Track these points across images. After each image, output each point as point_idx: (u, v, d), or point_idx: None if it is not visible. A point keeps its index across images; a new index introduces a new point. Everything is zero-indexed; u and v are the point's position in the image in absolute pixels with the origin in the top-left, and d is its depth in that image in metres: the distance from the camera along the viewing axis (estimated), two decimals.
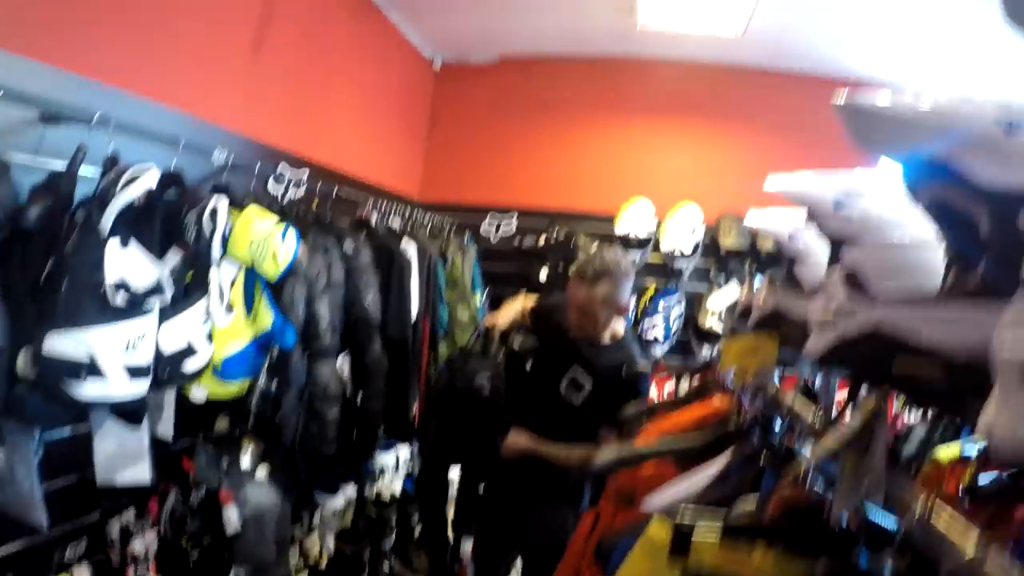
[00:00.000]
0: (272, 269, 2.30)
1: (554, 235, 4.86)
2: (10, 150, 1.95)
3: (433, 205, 5.29)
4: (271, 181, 3.13)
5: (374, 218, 3.60)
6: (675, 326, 4.55)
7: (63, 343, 1.77)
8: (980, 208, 0.80)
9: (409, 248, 3.58)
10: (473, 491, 3.38)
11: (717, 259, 4.61)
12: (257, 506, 2.61)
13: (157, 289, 1.96)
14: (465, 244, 4.62)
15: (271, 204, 2.83)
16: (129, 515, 2.55)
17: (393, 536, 3.92)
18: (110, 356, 1.82)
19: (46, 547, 2.30)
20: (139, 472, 2.37)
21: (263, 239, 2.26)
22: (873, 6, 3.79)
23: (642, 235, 4.63)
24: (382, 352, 3.16)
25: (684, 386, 3.58)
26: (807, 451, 1.30)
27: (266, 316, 2.40)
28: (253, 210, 2.34)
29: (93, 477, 2.32)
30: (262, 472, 2.69)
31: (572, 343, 2.82)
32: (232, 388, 2.42)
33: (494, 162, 5.42)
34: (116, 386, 1.88)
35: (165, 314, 2.03)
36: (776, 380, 2.13)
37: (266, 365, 2.54)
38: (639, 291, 4.67)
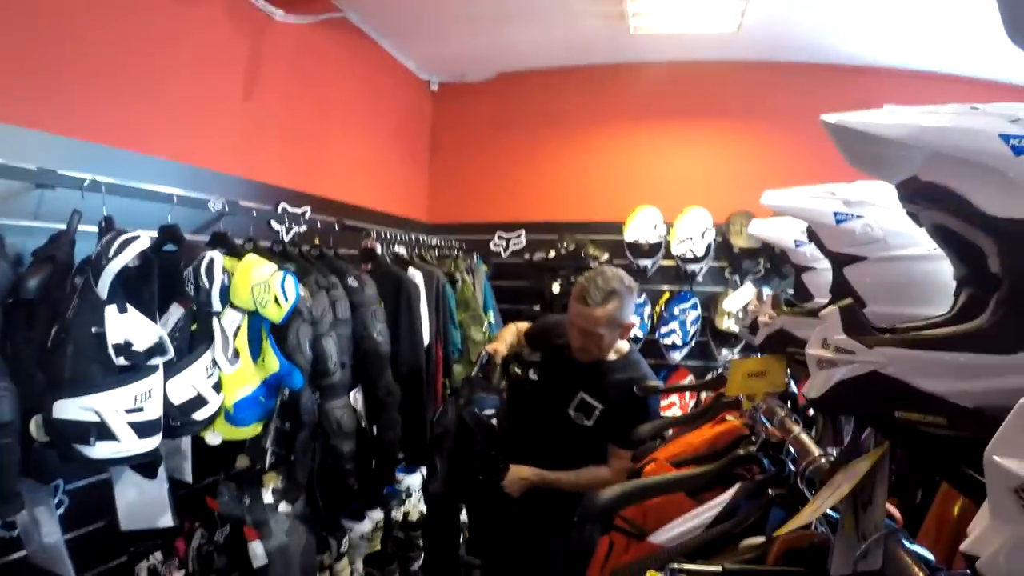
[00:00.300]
0: (275, 313, 2.32)
1: (563, 247, 4.82)
2: (8, 216, 2.02)
3: (441, 227, 5.32)
4: (273, 222, 3.15)
5: (379, 247, 3.59)
6: (692, 330, 4.50)
7: (71, 409, 1.80)
8: (987, 241, 0.73)
9: (416, 274, 3.58)
10: (485, 527, 3.25)
11: (730, 259, 4.56)
12: (281, 539, 2.64)
13: (159, 347, 1.98)
14: (475, 264, 4.62)
15: (272, 245, 2.87)
16: (157, 556, 2.58)
17: (421, 557, 3.91)
18: (117, 417, 1.85)
19: None
20: (161, 517, 2.43)
21: (263, 285, 2.28)
22: None
23: (652, 241, 4.58)
24: (394, 383, 3.16)
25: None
26: (811, 491, 1.26)
27: (273, 360, 2.42)
28: (252, 258, 2.37)
29: (118, 523, 2.36)
30: (285, 506, 2.70)
31: (577, 365, 2.74)
32: (245, 432, 2.45)
33: (499, 179, 5.41)
34: (127, 445, 1.90)
35: (172, 368, 2.07)
36: (794, 388, 2.10)
37: (278, 405, 2.55)
38: (654, 298, 4.64)
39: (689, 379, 4.52)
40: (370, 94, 4.64)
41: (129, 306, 1.93)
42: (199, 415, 2.17)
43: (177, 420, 2.11)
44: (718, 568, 1.05)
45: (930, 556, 0.88)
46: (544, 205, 5.22)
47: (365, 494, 3.45)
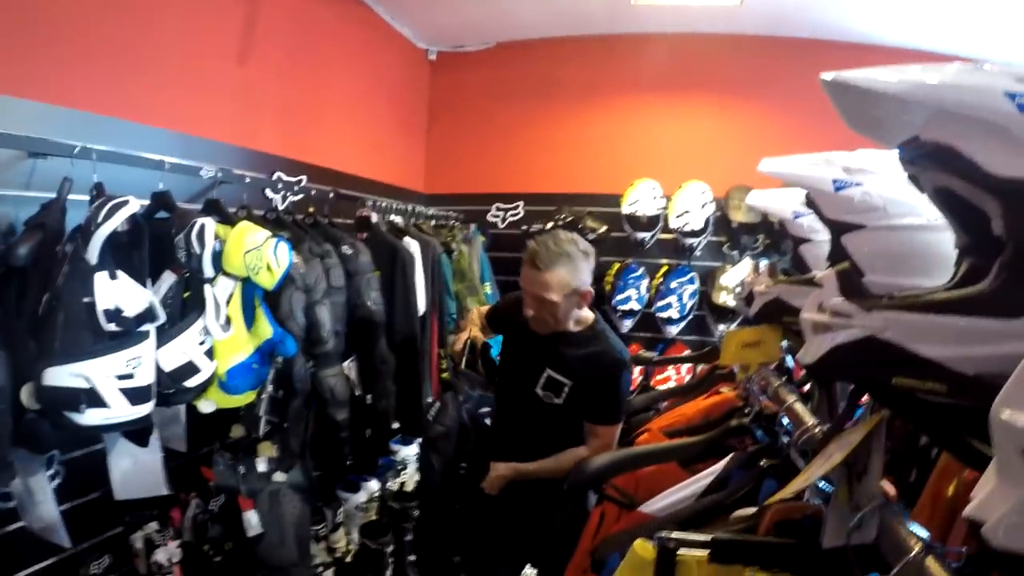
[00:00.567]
0: (267, 280, 2.30)
1: (561, 219, 4.79)
2: (3, 187, 2.03)
3: (438, 197, 5.28)
4: (268, 190, 3.13)
5: (375, 216, 3.57)
6: (690, 304, 4.49)
7: (61, 376, 1.79)
8: (991, 201, 0.71)
9: (412, 244, 3.56)
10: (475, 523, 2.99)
11: (729, 234, 4.53)
12: (276, 509, 2.64)
13: (149, 313, 1.97)
14: (472, 235, 4.60)
15: (266, 213, 2.85)
16: (152, 526, 2.60)
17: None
18: (108, 384, 1.85)
19: (73, 562, 2.38)
20: (155, 485, 2.45)
21: (256, 252, 2.27)
22: None
23: (650, 213, 4.55)
24: (389, 351, 3.15)
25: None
26: (805, 460, 1.24)
27: (266, 327, 2.41)
28: (245, 225, 2.35)
29: (113, 493, 2.40)
30: (279, 476, 2.71)
31: (540, 341, 2.58)
32: (239, 399, 2.44)
33: (497, 149, 5.37)
34: (117, 411, 1.90)
35: (163, 335, 2.06)
36: (790, 362, 2.09)
37: (271, 373, 2.55)
38: (652, 271, 4.62)
39: (686, 354, 4.52)
40: (367, 63, 4.58)
41: (120, 272, 1.93)
42: (191, 382, 2.17)
43: (169, 388, 2.11)
44: (708, 537, 1.04)
45: (925, 533, 0.87)
46: (542, 176, 5.18)
47: (360, 464, 3.46)
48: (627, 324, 4.60)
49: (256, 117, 3.43)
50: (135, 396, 1.92)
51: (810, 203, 1.21)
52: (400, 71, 5.14)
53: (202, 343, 2.19)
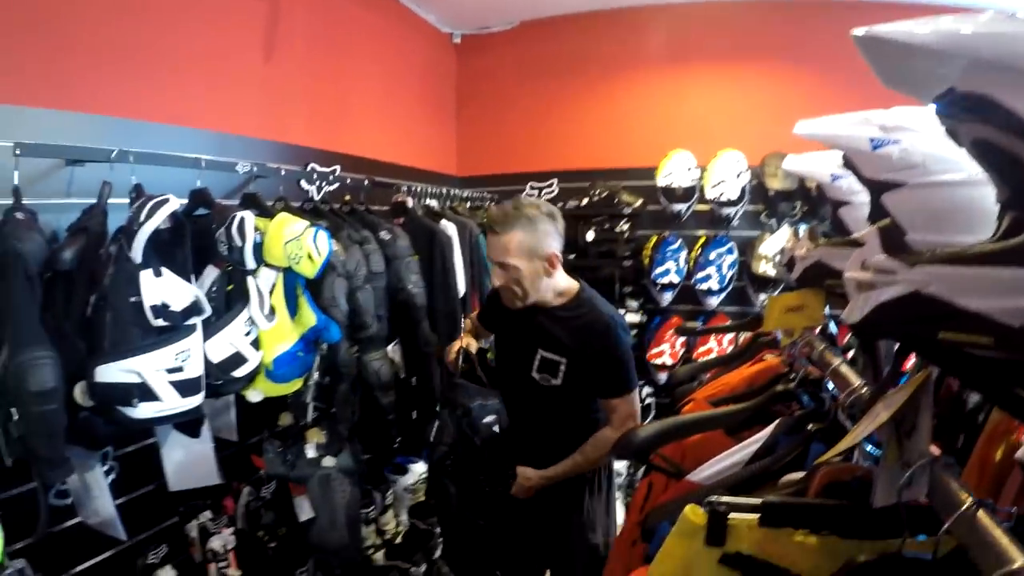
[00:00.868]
0: (309, 268, 2.34)
1: (596, 195, 4.77)
2: (41, 196, 2.07)
3: (472, 179, 5.30)
4: (303, 181, 3.17)
5: (410, 201, 3.59)
6: (729, 275, 4.44)
7: (113, 372, 1.86)
8: None
9: (449, 226, 3.59)
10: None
11: (766, 202, 4.45)
12: (326, 493, 2.69)
13: (196, 307, 2.02)
14: None
15: (303, 204, 2.88)
16: (206, 515, 2.70)
17: None
18: (158, 377, 1.92)
19: (131, 553, 2.47)
20: (208, 475, 2.54)
21: (296, 242, 2.30)
22: None
23: (686, 185, 4.50)
24: (431, 333, 3.18)
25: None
26: (852, 423, 1.23)
27: (309, 315, 2.46)
28: (283, 217, 2.39)
29: (167, 485, 2.49)
30: (328, 460, 2.75)
31: (526, 323, 2.43)
32: (286, 387, 2.50)
33: (528, 129, 5.34)
34: (169, 403, 1.97)
35: (210, 328, 2.12)
36: (834, 328, 2.07)
37: (317, 360, 2.59)
38: (690, 243, 4.58)
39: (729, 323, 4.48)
40: (392, 50, 4.59)
41: (164, 269, 1.97)
42: (239, 372, 2.23)
43: (218, 378, 2.17)
44: (758, 501, 1.04)
45: None
46: (575, 153, 5.15)
47: (407, 446, 3.51)
48: (667, 297, 4.57)
49: (286, 111, 3.47)
50: (185, 388, 1.98)
51: (848, 164, 1.20)
52: (425, 56, 5.14)
53: (248, 334, 2.24)
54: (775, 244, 4.22)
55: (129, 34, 2.58)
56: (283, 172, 2.97)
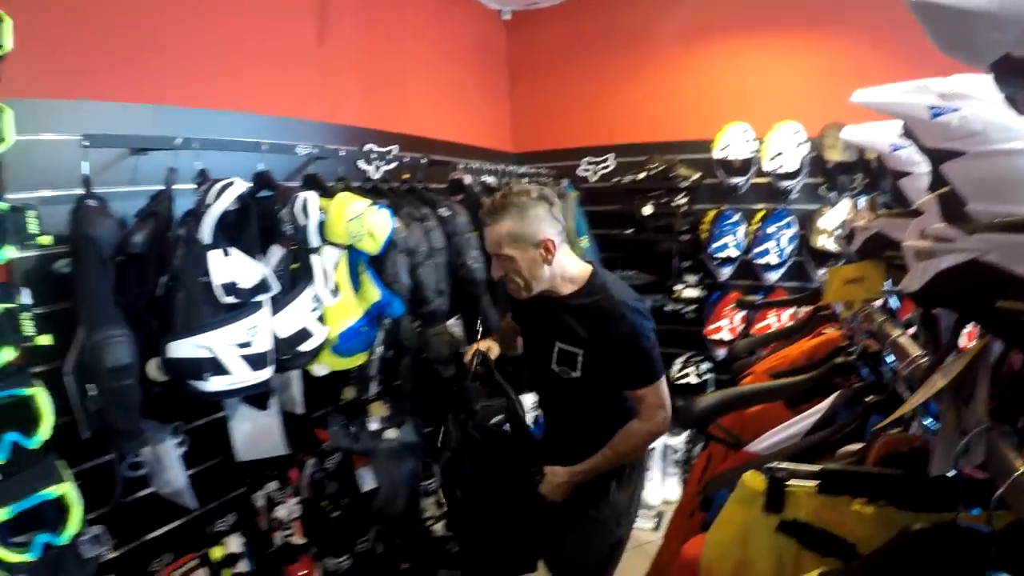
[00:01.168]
0: (371, 246, 2.39)
1: (653, 169, 4.73)
2: (109, 185, 2.17)
3: (527, 155, 5.30)
4: (361, 161, 3.22)
5: (468, 178, 3.63)
6: (788, 249, 4.35)
7: (186, 348, 1.94)
8: None
9: None
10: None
11: (825, 175, 4.36)
12: (388, 466, 2.77)
13: (263, 284, 2.09)
14: (564, 190, 4.60)
15: (363, 184, 2.94)
16: (272, 485, 2.80)
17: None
18: (229, 352, 1.99)
19: (200, 522, 2.59)
20: (275, 446, 2.64)
21: (358, 221, 2.36)
22: None
23: (743, 157, 4.43)
24: (492, 308, 3.22)
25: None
26: (911, 394, 1.22)
27: (372, 291, 2.51)
28: (344, 196, 2.44)
29: (235, 456, 2.59)
30: (391, 433, 2.82)
31: (544, 315, 2.35)
32: (350, 362, 2.57)
33: (582, 104, 5.29)
34: (239, 377, 2.05)
35: (277, 304, 2.19)
36: (897, 303, 2.04)
37: (380, 335, 2.66)
38: (748, 217, 4.53)
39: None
40: (442, 30, 4.59)
41: (232, 249, 2.05)
42: (305, 347, 2.29)
43: (286, 353, 2.24)
44: (817, 468, 1.05)
45: None
46: (630, 127, 5.08)
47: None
48: (725, 272, 4.52)
49: (342, 93, 3.52)
50: (255, 362, 2.05)
51: (907, 133, 1.18)
52: (476, 34, 5.13)
53: (314, 309, 2.30)
54: (835, 218, 4.13)
55: (187, 27, 2.66)
56: (342, 153, 3.04)
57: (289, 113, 3.06)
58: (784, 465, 1.06)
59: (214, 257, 2.00)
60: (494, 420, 2.53)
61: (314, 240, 2.32)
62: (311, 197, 2.31)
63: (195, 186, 2.24)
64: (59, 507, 1.68)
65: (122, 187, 2.25)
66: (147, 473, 2.31)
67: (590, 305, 2.23)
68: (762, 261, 4.36)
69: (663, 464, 4.68)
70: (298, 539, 2.77)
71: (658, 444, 4.63)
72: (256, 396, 2.32)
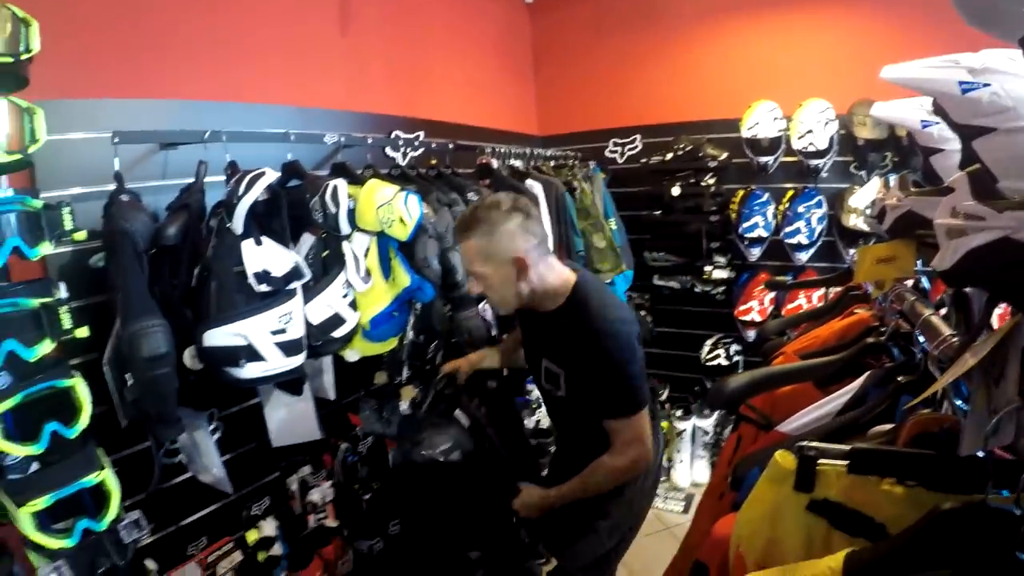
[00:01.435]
0: (401, 232, 2.41)
1: (680, 149, 4.70)
2: (139, 180, 2.23)
3: (554, 138, 5.29)
4: (388, 149, 3.25)
5: (495, 162, 3.64)
6: (818, 229, 4.31)
7: (221, 336, 1.98)
8: None
9: (534, 185, 3.62)
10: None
11: (855, 152, 4.30)
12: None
13: (296, 272, 2.12)
14: (592, 172, 4.59)
15: (391, 170, 2.96)
16: (306, 469, 2.85)
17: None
18: (263, 339, 2.03)
19: (236, 506, 2.66)
20: (309, 431, 2.67)
21: (387, 207, 2.37)
22: None
23: (771, 135, 4.39)
24: None
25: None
26: (941, 373, 1.22)
27: (403, 276, 2.53)
28: (373, 183, 2.46)
29: (269, 442, 2.64)
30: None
31: (533, 330, 2.30)
32: (382, 346, 2.60)
33: (607, 85, 5.27)
34: (274, 363, 2.08)
35: (309, 292, 2.22)
36: (927, 283, 2.02)
37: (412, 319, 2.68)
38: (777, 196, 4.48)
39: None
40: (465, 16, 4.58)
41: (264, 238, 2.08)
42: (338, 333, 2.33)
43: (318, 339, 2.27)
44: (847, 447, 1.05)
45: None
46: (657, 107, 5.05)
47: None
48: (755, 252, 4.49)
49: (367, 82, 3.54)
50: (289, 348, 2.09)
51: (937, 109, 1.17)
52: (499, 19, 5.10)
53: (345, 296, 2.33)
54: (865, 196, 4.05)
55: (211, 22, 2.68)
56: (369, 141, 3.06)
57: (315, 103, 3.09)
58: (814, 444, 1.07)
59: (247, 247, 2.03)
60: (441, 448, 2.36)
61: (345, 227, 2.34)
62: (340, 185, 2.33)
63: (225, 178, 2.28)
64: (98, 494, 1.73)
65: (152, 181, 2.29)
66: (184, 459, 2.37)
67: (567, 325, 2.11)
68: (792, 241, 4.33)
69: (692, 447, 4.69)
70: (331, 522, 2.83)
71: (687, 426, 4.64)
72: (290, 382, 2.36)
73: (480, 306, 3.04)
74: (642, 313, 5.02)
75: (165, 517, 2.41)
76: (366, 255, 2.44)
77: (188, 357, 2.00)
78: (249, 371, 2.02)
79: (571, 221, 3.88)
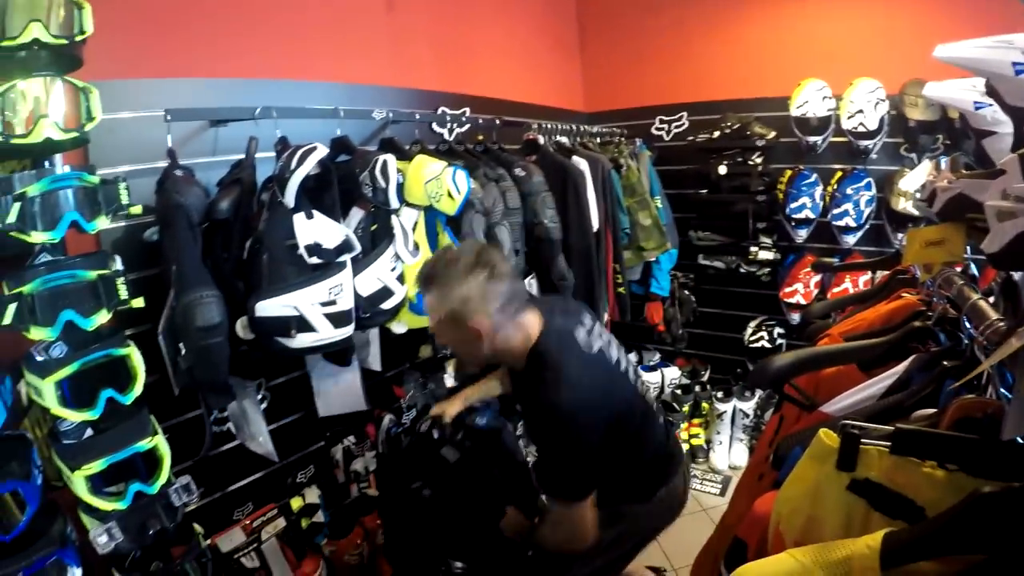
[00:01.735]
0: (449, 206, 2.44)
1: (727, 127, 4.64)
2: (192, 156, 2.31)
3: (600, 115, 5.26)
4: (435, 124, 3.28)
5: (541, 139, 3.64)
6: (867, 212, 4.22)
7: (272, 307, 2.03)
8: None
9: (581, 162, 3.61)
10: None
11: (906, 134, 4.20)
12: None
13: (346, 245, 2.16)
14: (638, 149, 4.56)
15: (438, 146, 2.99)
16: (350, 439, 2.94)
17: None
18: (314, 310, 2.07)
19: (281, 473, 2.75)
20: (355, 402, 2.75)
21: (436, 182, 2.41)
22: None
23: (821, 115, 4.30)
24: (567, 268, 3.23)
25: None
26: (986, 357, 1.21)
27: None
28: (421, 158, 2.50)
29: (315, 412, 2.71)
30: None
31: (513, 389, 2.21)
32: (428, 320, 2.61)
33: (654, 62, 5.20)
34: (324, 334, 2.13)
35: (359, 264, 2.27)
36: (975, 270, 1.99)
37: None
38: (826, 177, 4.41)
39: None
40: None
41: (315, 211, 2.12)
42: (386, 305, 2.37)
43: (367, 311, 2.32)
44: (890, 428, 1.06)
45: None
46: (704, 85, 4.98)
47: None
48: (801, 234, 4.42)
49: (413, 58, 3.56)
50: (338, 320, 2.14)
51: (990, 91, 1.17)
52: None
53: (393, 269, 2.37)
54: (916, 179, 3.97)
55: (258, 2, 2.74)
56: (417, 116, 3.09)
57: (363, 80, 3.12)
58: (858, 423, 1.07)
59: (299, 220, 2.08)
60: (414, 484, 2.37)
61: (394, 201, 2.38)
62: (390, 160, 2.36)
63: (275, 154, 2.32)
64: (150, 459, 1.80)
65: (203, 158, 2.36)
66: (232, 427, 2.44)
67: (528, 389, 1.95)
68: (840, 223, 4.25)
69: (732, 429, 4.68)
70: (373, 491, 2.91)
71: (728, 408, 4.64)
72: (338, 353, 2.42)
73: (526, 281, 3.06)
74: (686, 292, 4.99)
75: (213, 482, 2.50)
76: (414, 229, 2.47)
77: (240, 327, 2.06)
78: (299, 341, 2.08)
79: (617, 198, 3.87)
